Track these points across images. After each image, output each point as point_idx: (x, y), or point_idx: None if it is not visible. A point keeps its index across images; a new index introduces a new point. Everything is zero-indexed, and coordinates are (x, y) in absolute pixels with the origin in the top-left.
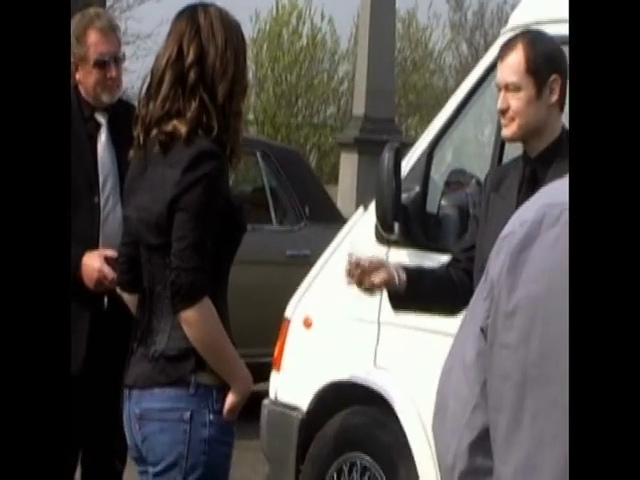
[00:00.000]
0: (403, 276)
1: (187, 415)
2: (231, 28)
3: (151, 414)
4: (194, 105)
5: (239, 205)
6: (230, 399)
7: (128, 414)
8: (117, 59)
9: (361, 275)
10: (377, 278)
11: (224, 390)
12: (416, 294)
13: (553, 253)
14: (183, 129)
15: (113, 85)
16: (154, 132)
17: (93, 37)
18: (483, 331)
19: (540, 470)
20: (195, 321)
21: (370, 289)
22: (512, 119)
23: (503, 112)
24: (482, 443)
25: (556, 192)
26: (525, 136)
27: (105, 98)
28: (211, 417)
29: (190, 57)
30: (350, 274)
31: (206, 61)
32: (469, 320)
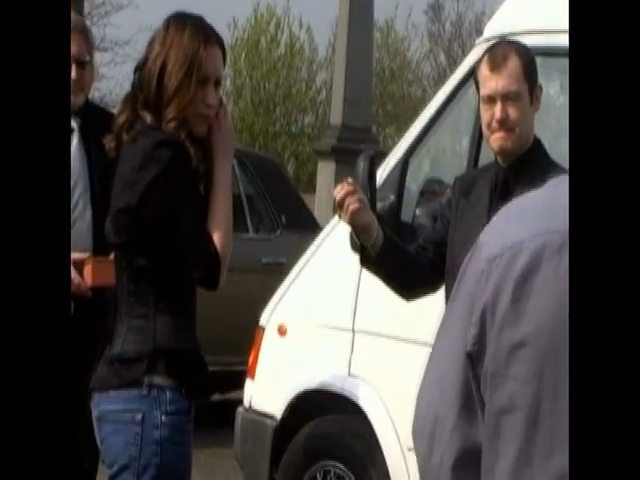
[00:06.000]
0: (381, 235)
1: (139, 417)
2: (176, 35)
3: (107, 416)
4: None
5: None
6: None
7: (93, 417)
8: (80, 62)
9: (349, 194)
10: (356, 205)
11: (180, 391)
12: (386, 260)
13: (561, 284)
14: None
15: (75, 88)
16: None
17: None
18: (470, 357)
19: None
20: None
21: (345, 212)
22: (512, 130)
23: (501, 123)
24: (463, 464)
25: (552, 215)
26: (522, 146)
27: None
28: (163, 418)
29: (139, 63)
30: (341, 187)
31: (145, 66)
32: (449, 341)
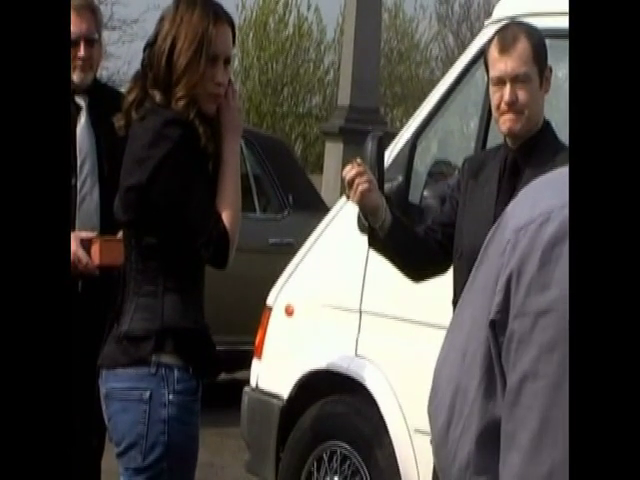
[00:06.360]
0: (389, 217)
1: (147, 395)
2: (186, 13)
3: (114, 393)
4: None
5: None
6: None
7: (100, 394)
8: (89, 39)
9: (359, 174)
10: (366, 186)
11: (187, 370)
12: (394, 241)
13: None
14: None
15: (84, 65)
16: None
17: None
18: (494, 324)
19: None
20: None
21: (354, 193)
22: (521, 112)
23: (510, 105)
24: (486, 435)
25: None
26: (531, 128)
27: (75, 78)
28: (171, 397)
29: (148, 41)
30: (351, 167)
31: (155, 44)
32: (471, 312)
